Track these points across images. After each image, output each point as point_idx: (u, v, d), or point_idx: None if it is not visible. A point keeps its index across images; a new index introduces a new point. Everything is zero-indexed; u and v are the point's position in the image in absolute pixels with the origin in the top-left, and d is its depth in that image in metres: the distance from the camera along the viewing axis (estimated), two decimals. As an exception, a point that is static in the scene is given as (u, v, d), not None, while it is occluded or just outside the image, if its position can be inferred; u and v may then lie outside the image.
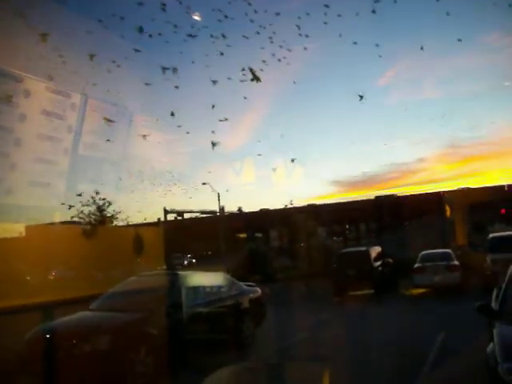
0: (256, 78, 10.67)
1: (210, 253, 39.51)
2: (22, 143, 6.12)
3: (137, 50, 9.54)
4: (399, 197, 43.71)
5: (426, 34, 45.12)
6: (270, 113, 51.62)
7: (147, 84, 10.50)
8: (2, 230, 23.44)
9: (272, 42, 11.17)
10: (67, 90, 6.64)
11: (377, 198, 43.82)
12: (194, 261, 34.38)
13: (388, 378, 7.48)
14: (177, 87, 10.88)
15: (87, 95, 7.07)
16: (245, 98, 15.50)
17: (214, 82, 11.27)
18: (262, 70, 11.02)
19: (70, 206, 30.66)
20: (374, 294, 19.51)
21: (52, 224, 27.04)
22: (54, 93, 6.48)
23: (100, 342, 8.24)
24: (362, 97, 13.12)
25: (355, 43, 13.88)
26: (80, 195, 28.98)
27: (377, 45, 14.19)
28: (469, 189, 40.78)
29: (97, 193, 32.55)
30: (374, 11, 11.10)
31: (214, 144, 12.61)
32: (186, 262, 37.22)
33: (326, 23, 11.30)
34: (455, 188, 41.99)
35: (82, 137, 6.93)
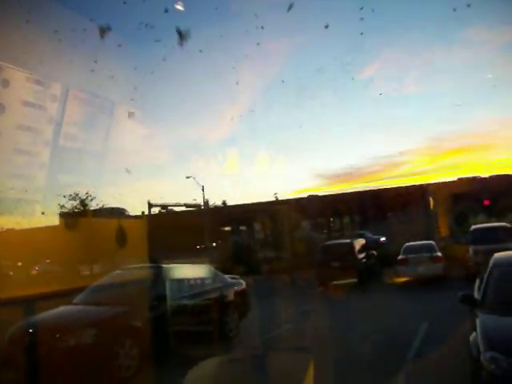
0: None
1: (198, 247, 39.33)
2: (1, 134, 6.01)
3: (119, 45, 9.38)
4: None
5: (408, 29, 45.34)
6: (253, 105, 51.45)
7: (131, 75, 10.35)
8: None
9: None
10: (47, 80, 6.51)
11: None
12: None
13: (372, 367, 7.53)
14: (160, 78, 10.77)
15: (68, 86, 6.95)
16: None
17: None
18: (246, 55, 11.01)
19: (62, 206, 30.45)
20: (358, 284, 19.59)
21: (32, 217, 26.64)
22: (34, 83, 6.34)
23: (84, 335, 8.18)
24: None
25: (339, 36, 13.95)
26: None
27: (361, 33, 14.22)
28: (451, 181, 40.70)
29: (86, 193, 32.53)
30: (361, 8, 11.11)
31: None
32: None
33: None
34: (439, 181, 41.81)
35: (63, 128, 6.81)
